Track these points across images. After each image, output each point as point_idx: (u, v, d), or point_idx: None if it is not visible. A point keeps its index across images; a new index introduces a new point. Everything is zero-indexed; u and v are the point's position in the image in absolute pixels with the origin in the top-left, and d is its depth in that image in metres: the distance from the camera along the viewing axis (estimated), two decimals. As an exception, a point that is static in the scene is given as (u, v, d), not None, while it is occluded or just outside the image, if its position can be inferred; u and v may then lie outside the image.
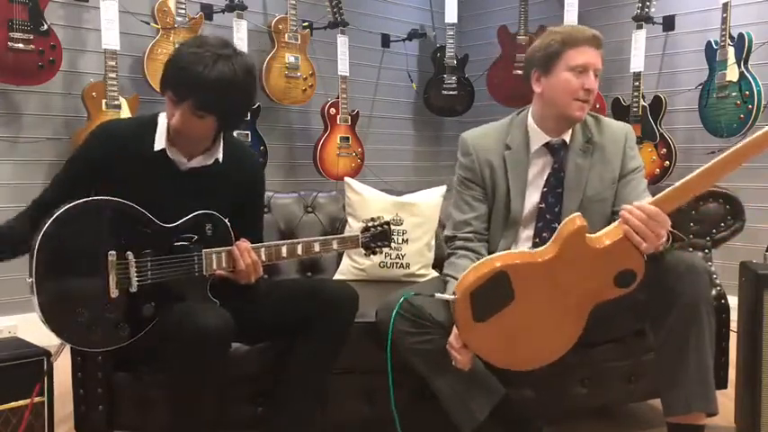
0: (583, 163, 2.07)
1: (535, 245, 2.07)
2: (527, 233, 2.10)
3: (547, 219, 2.08)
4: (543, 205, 2.08)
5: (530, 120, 2.11)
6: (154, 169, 1.89)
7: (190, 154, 1.93)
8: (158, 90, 1.93)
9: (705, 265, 1.92)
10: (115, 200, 1.80)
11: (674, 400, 1.87)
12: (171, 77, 1.80)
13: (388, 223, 2.16)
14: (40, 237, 1.71)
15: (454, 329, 1.86)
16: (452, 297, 1.77)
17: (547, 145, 2.08)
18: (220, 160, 1.96)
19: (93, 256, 1.76)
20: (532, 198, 2.09)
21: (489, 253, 2.10)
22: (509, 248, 2.07)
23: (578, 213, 1.77)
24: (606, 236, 1.75)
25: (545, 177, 2.09)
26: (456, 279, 1.95)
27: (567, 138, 2.09)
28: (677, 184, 1.73)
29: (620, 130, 2.13)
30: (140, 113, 3.25)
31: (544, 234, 2.07)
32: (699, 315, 1.84)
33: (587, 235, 1.74)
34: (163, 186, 1.89)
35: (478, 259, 2.03)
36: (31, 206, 1.89)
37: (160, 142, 1.90)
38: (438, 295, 1.81)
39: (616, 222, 1.76)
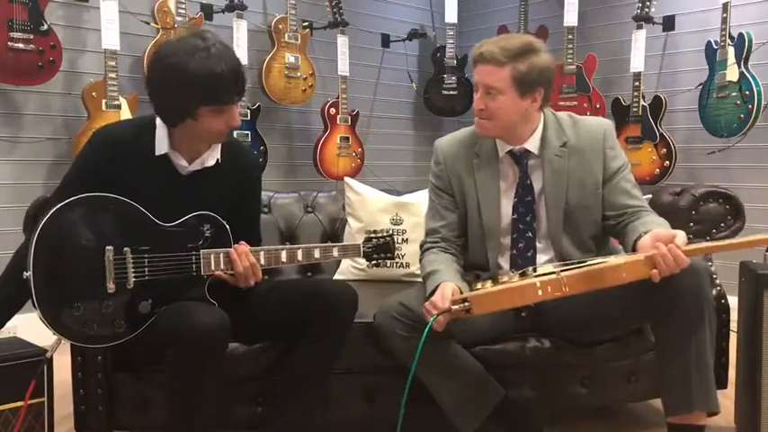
0: (560, 169, 2.03)
1: (512, 256, 2.07)
2: (509, 244, 2.09)
3: (520, 229, 2.07)
4: (515, 216, 2.07)
5: None
6: (154, 173, 1.89)
7: (191, 157, 1.93)
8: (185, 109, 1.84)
9: (706, 265, 1.93)
10: (113, 197, 1.81)
11: (675, 400, 1.87)
12: (212, 90, 1.77)
13: (391, 236, 2.16)
14: (37, 232, 1.72)
15: (443, 296, 1.82)
16: (467, 306, 1.74)
17: (511, 153, 2.06)
18: (220, 161, 1.97)
19: (91, 252, 1.76)
20: (507, 209, 2.08)
21: (475, 265, 2.12)
22: (497, 259, 2.08)
23: (624, 264, 1.73)
24: (633, 275, 1.74)
25: (514, 188, 2.07)
26: (426, 276, 1.99)
27: (529, 146, 2.04)
28: (710, 244, 1.84)
29: (597, 129, 2.07)
30: (140, 113, 3.25)
31: (520, 245, 2.06)
32: (701, 315, 1.84)
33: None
34: (163, 190, 1.88)
35: (445, 252, 2.06)
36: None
37: (161, 147, 1.89)
38: (454, 308, 1.76)
39: (642, 257, 1.74)
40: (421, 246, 2.17)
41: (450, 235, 2.12)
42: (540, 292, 1.72)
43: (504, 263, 2.09)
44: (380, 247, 2.14)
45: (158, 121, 1.91)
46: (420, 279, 2.56)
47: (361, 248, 2.12)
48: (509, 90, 1.93)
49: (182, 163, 1.92)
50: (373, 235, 2.15)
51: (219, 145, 1.96)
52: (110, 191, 1.83)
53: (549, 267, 1.80)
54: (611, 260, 1.77)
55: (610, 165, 2.04)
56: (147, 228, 1.83)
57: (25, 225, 1.98)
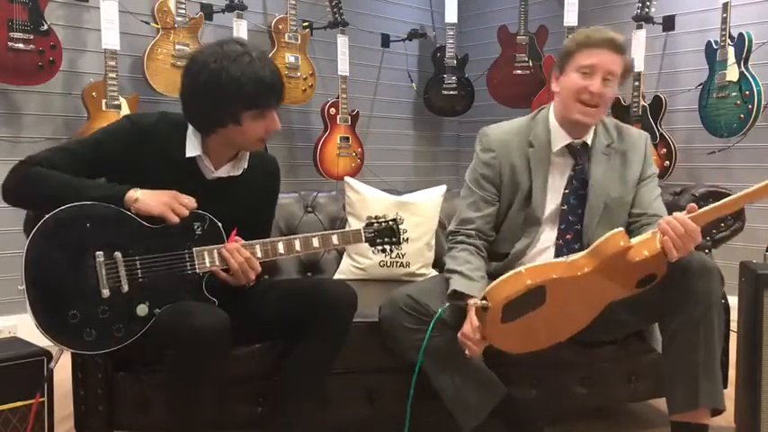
0: (607, 166, 2.08)
1: (558, 246, 2.07)
2: (549, 234, 2.09)
3: (570, 221, 2.07)
4: (565, 207, 2.07)
5: (552, 119, 2.10)
6: (180, 175, 1.88)
7: (219, 163, 1.93)
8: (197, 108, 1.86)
9: (715, 263, 1.94)
10: (100, 204, 1.79)
11: (680, 397, 1.88)
12: (256, 95, 1.79)
13: (394, 220, 2.07)
14: (28, 243, 1.72)
15: (471, 321, 1.84)
16: (485, 303, 1.75)
17: (568, 146, 2.08)
18: (246, 170, 1.96)
19: (82, 259, 1.76)
20: (554, 199, 2.08)
21: (495, 255, 2.11)
22: (527, 248, 2.08)
23: (621, 230, 1.75)
24: (643, 248, 1.75)
25: (566, 179, 2.08)
26: (458, 273, 1.97)
27: (588, 140, 2.08)
28: (715, 204, 1.79)
29: (640, 137, 2.16)
30: (140, 112, 3.25)
31: (567, 236, 2.07)
32: (710, 314, 1.85)
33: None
34: (187, 193, 1.86)
35: (479, 254, 2.05)
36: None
37: (193, 149, 1.89)
38: (471, 302, 1.79)
39: (649, 233, 1.77)
40: (450, 234, 2.14)
41: (485, 227, 2.10)
42: (552, 273, 1.73)
43: (548, 253, 2.08)
44: (383, 232, 2.05)
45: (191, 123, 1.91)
46: (421, 277, 2.58)
47: (363, 233, 2.03)
48: (618, 78, 2.02)
49: (210, 168, 1.91)
50: (374, 220, 2.06)
51: (247, 155, 1.96)
52: (127, 180, 1.83)
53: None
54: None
55: (646, 170, 2.12)
56: (136, 230, 1.81)
57: (25, 225, 1.98)
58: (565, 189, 2.08)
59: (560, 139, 2.07)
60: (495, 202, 2.11)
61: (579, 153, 2.08)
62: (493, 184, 2.10)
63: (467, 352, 1.86)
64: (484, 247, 2.09)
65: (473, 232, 2.09)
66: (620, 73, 2.01)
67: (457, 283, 1.95)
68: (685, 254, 1.75)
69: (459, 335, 1.87)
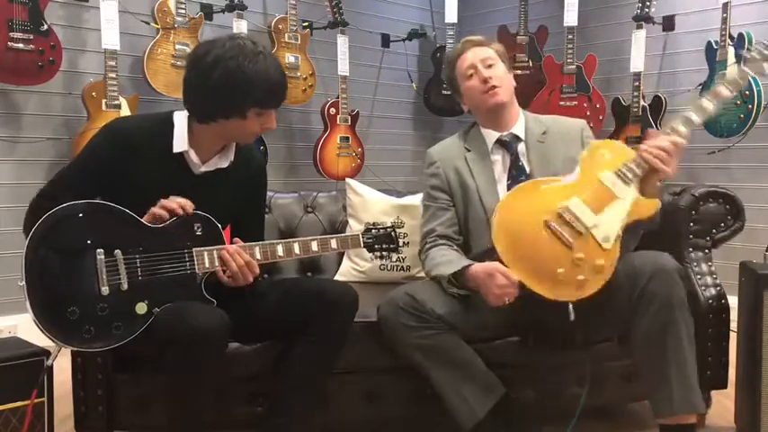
0: (545, 151, 2.17)
1: None
2: None
3: None
4: None
5: (480, 127, 2.23)
6: (168, 171, 1.89)
7: (206, 157, 1.93)
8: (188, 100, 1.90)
9: (674, 263, 1.91)
10: (101, 202, 1.81)
11: (659, 403, 1.88)
12: (267, 97, 1.85)
13: (392, 227, 2.11)
14: (29, 239, 1.73)
15: (501, 272, 1.88)
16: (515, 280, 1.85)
17: (500, 141, 2.17)
18: (233, 163, 1.97)
19: (83, 256, 1.77)
20: (502, 194, 2.12)
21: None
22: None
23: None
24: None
25: (507, 171, 2.16)
26: (440, 263, 2.04)
27: (517, 131, 2.19)
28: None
29: (574, 122, 2.26)
30: (140, 112, 3.25)
31: None
32: (672, 316, 1.84)
33: None
34: (176, 188, 1.88)
35: (450, 247, 2.14)
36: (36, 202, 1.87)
37: (180, 144, 1.89)
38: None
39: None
40: (420, 251, 2.20)
41: (449, 231, 2.16)
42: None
43: None
44: (381, 238, 2.08)
45: (177, 118, 1.92)
46: (421, 281, 2.58)
47: (361, 239, 2.06)
48: (500, 61, 2.20)
49: (197, 162, 1.92)
50: (373, 226, 2.09)
51: (234, 147, 1.97)
52: (117, 185, 1.84)
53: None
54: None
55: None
56: (137, 229, 1.82)
57: (25, 225, 1.99)
58: (507, 180, 2.15)
59: (491, 137, 2.19)
60: (450, 207, 2.19)
61: (510, 144, 2.18)
62: (443, 191, 2.20)
63: (507, 300, 1.88)
64: (452, 242, 2.15)
65: (437, 238, 2.16)
66: (497, 55, 2.19)
67: (447, 269, 1.99)
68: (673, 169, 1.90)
69: (495, 290, 1.88)
